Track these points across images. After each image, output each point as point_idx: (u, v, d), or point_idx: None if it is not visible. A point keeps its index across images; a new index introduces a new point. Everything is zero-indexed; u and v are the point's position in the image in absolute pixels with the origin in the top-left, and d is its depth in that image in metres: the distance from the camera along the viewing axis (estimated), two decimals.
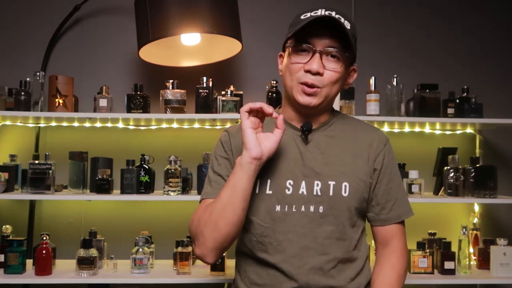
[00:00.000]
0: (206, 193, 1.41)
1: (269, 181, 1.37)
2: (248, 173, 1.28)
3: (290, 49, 1.36)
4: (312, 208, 1.35)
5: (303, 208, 1.35)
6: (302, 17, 1.35)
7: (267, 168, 1.36)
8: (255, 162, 1.28)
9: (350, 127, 1.46)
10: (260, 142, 1.29)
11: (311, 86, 1.33)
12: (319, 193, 1.35)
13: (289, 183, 1.36)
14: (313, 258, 1.34)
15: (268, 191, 1.36)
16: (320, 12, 1.33)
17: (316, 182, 1.36)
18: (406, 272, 1.44)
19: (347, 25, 1.32)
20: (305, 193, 1.36)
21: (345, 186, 1.36)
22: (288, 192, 1.36)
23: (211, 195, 1.39)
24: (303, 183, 1.36)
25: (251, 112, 1.30)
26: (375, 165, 1.41)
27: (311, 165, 1.37)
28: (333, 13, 1.32)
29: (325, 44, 1.33)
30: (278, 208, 1.36)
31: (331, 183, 1.36)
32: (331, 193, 1.35)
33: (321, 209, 1.35)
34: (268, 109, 1.28)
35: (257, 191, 1.37)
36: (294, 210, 1.35)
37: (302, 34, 1.33)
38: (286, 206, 1.36)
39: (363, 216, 1.44)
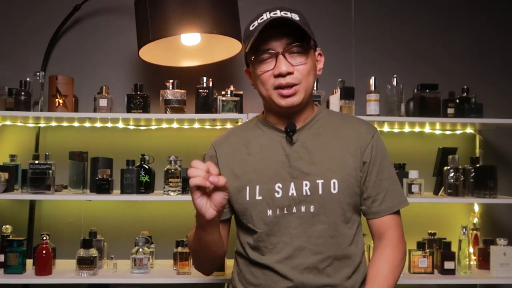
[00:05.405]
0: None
1: (258, 187, 1.37)
2: (208, 230, 1.33)
3: (253, 61, 1.37)
4: (303, 209, 1.35)
5: (294, 210, 1.35)
6: (251, 28, 1.36)
7: (255, 174, 1.37)
8: (211, 222, 1.29)
9: (336, 122, 1.45)
10: (210, 204, 1.25)
11: (286, 86, 1.34)
12: (308, 193, 1.35)
13: (278, 186, 1.36)
14: (307, 258, 1.34)
15: (258, 197, 1.37)
16: (266, 16, 1.33)
17: (304, 182, 1.36)
18: (402, 264, 1.42)
19: (295, 17, 1.33)
20: (295, 194, 1.36)
21: (334, 183, 1.35)
22: (277, 196, 1.36)
23: None
24: (292, 185, 1.36)
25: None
26: (363, 158, 1.40)
27: (298, 165, 1.37)
28: (278, 12, 1.33)
29: (283, 44, 1.33)
30: (269, 212, 1.36)
31: (319, 181, 1.35)
32: (320, 192, 1.35)
33: (312, 208, 1.35)
34: (214, 179, 1.20)
35: (247, 198, 1.38)
36: (285, 212, 1.35)
37: (258, 43, 1.34)
38: (278, 209, 1.36)
39: (358, 211, 1.43)
